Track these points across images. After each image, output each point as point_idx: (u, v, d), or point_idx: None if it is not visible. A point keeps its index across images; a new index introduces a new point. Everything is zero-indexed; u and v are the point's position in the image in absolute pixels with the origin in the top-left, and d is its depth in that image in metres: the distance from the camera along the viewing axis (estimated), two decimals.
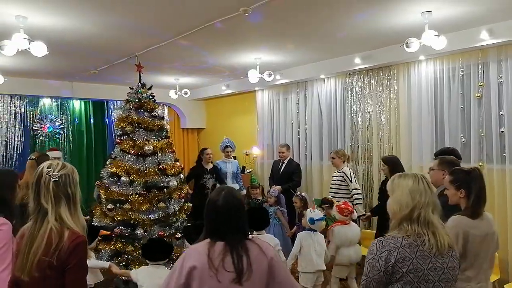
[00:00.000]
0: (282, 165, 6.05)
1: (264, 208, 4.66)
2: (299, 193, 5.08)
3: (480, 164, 4.55)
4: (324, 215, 4.05)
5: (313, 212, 3.90)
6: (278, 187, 5.63)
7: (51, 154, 5.79)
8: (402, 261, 1.63)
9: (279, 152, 6.11)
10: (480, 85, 4.57)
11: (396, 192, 1.76)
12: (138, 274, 3.21)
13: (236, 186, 6.40)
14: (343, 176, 5.12)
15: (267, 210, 4.38)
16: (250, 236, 1.79)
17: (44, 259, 1.62)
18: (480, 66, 4.57)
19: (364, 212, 4.98)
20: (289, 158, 6.11)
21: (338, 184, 5.16)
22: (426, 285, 1.63)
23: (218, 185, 6.02)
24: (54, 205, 1.70)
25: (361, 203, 5.02)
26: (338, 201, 4.51)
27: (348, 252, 4.04)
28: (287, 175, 5.96)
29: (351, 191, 5.04)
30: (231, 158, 6.64)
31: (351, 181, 5.08)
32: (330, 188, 5.29)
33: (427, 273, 1.64)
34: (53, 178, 1.72)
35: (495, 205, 4.43)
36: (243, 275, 1.61)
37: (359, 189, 5.12)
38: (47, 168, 1.74)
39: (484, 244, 2.29)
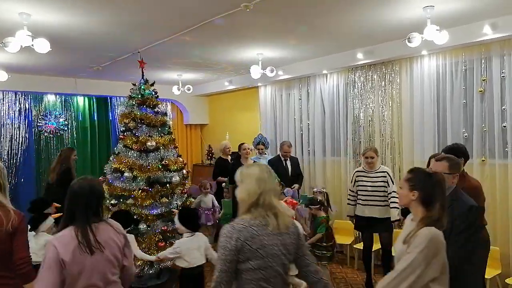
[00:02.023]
0: (286, 163, 5.90)
1: (194, 209, 4.38)
2: (322, 189, 4.99)
3: (483, 159, 4.55)
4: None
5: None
6: (297, 186, 5.55)
7: None
8: (251, 239, 1.82)
9: (287, 152, 5.89)
10: (483, 80, 4.55)
11: (245, 182, 1.94)
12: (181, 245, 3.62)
13: None
14: (386, 177, 4.50)
15: (196, 212, 4.19)
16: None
17: (1, 229, 2.21)
18: (483, 61, 4.55)
19: (399, 218, 4.39)
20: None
21: (381, 186, 4.50)
22: (273, 259, 1.85)
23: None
24: None
25: (398, 208, 4.37)
26: (378, 209, 4.45)
27: None
28: (296, 173, 5.93)
29: (389, 194, 4.47)
30: (265, 154, 6.43)
31: (393, 182, 4.51)
32: (369, 191, 4.55)
33: (272, 248, 1.85)
34: None
35: (497, 199, 4.44)
36: (103, 247, 2.04)
37: (396, 191, 4.37)
38: None
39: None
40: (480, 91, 4.58)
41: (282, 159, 5.93)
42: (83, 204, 2.06)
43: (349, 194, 4.85)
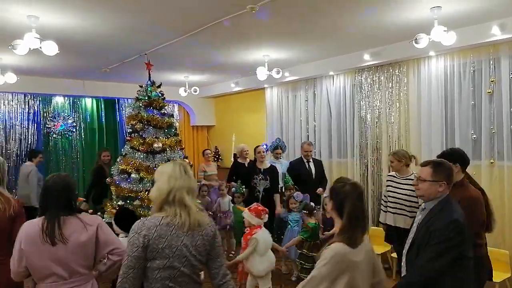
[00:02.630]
0: (309, 165, 5.47)
1: (130, 210, 3.91)
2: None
3: (491, 161, 4.50)
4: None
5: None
6: (321, 190, 5.16)
7: None
8: (159, 238, 1.79)
9: (307, 151, 5.47)
10: (492, 81, 4.50)
11: (158, 180, 1.94)
12: None
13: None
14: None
15: (133, 213, 3.73)
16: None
17: (5, 213, 2.54)
18: (491, 62, 4.50)
19: None
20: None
21: (409, 195, 3.93)
22: (180, 259, 1.82)
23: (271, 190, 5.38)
24: None
25: None
26: (403, 218, 3.94)
27: (268, 258, 3.74)
28: (320, 175, 5.53)
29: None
30: (280, 159, 6.07)
31: None
32: (397, 199, 4.06)
33: (181, 248, 1.82)
34: None
35: (505, 202, 4.38)
36: (66, 239, 2.13)
37: None
38: None
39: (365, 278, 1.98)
40: (488, 92, 4.53)
41: (305, 160, 5.49)
42: (54, 198, 2.20)
43: (381, 199, 4.55)
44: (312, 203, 4.35)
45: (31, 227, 2.17)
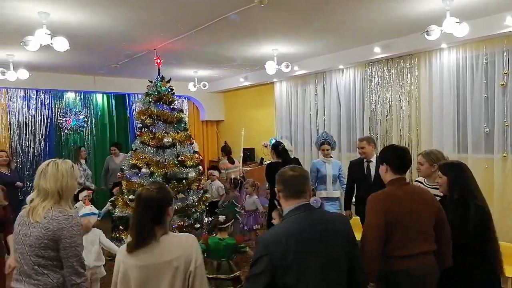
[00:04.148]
0: (369, 165, 4.31)
1: None
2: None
3: (504, 154, 4.43)
4: (92, 212, 3.63)
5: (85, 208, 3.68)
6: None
7: None
8: (16, 224, 2.09)
9: (359, 148, 4.45)
10: (505, 73, 4.42)
11: None
12: None
13: (337, 193, 4.92)
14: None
15: None
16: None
17: None
18: (504, 54, 4.42)
19: None
20: (375, 156, 4.36)
21: None
22: (18, 245, 2.04)
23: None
24: None
25: None
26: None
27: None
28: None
29: None
30: (330, 157, 5.06)
31: None
32: None
33: (20, 236, 2.04)
34: None
35: None
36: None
37: None
38: None
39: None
40: (502, 84, 4.45)
41: (365, 160, 4.37)
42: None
43: None
44: (222, 217, 3.56)
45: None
